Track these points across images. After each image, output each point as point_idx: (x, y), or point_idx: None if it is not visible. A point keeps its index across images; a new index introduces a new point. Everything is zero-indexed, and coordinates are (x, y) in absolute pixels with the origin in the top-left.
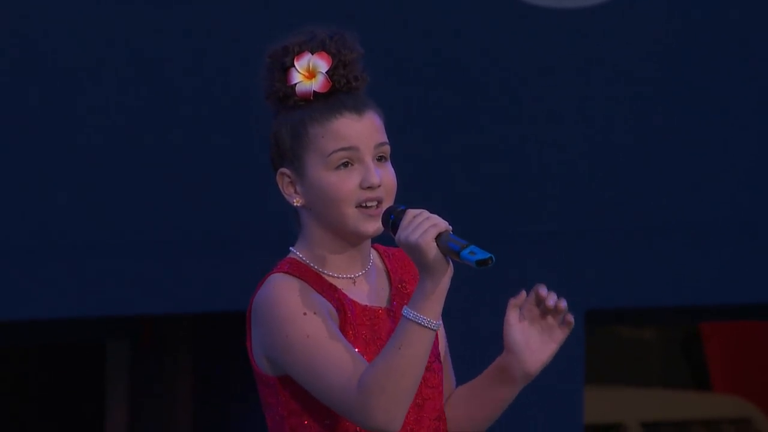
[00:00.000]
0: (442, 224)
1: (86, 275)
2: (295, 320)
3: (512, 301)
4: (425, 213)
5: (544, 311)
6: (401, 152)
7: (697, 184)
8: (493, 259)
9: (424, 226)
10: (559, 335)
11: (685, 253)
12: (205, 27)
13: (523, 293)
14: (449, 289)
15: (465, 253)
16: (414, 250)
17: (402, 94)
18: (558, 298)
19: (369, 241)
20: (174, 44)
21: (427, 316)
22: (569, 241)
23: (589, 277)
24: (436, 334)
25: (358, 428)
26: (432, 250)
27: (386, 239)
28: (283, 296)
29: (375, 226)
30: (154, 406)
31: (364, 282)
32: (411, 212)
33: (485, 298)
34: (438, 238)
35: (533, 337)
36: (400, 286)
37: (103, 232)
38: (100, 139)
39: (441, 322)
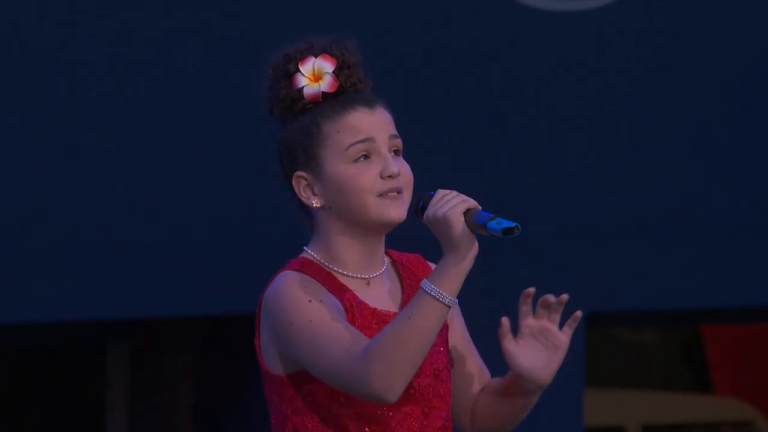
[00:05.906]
0: (472, 201)
1: (87, 278)
2: (300, 307)
3: (502, 331)
4: (455, 192)
5: (545, 311)
6: (405, 150)
7: (699, 187)
8: (519, 227)
9: (454, 201)
10: (563, 339)
11: (687, 256)
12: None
13: (506, 321)
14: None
15: (492, 224)
16: (441, 224)
17: (405, 93)
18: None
19: (383, 243)
20: (173, 45)
21: (442, 291)
22: (571, 244)
23: (590, 279)
24: (445, 336)
25: (365, 430)
26: (459, 223)
27: (400, 245)
28: (290, 288)
29: (399, 212)
30: (154, 408)
31: (378, 284)
32: (441, 191)
33: (485, 300)
34: (466, 213)
35: (537, 353)
36: (411, 292)
37: (104, 235)
38: (101, 142)
39: (457, 301)
